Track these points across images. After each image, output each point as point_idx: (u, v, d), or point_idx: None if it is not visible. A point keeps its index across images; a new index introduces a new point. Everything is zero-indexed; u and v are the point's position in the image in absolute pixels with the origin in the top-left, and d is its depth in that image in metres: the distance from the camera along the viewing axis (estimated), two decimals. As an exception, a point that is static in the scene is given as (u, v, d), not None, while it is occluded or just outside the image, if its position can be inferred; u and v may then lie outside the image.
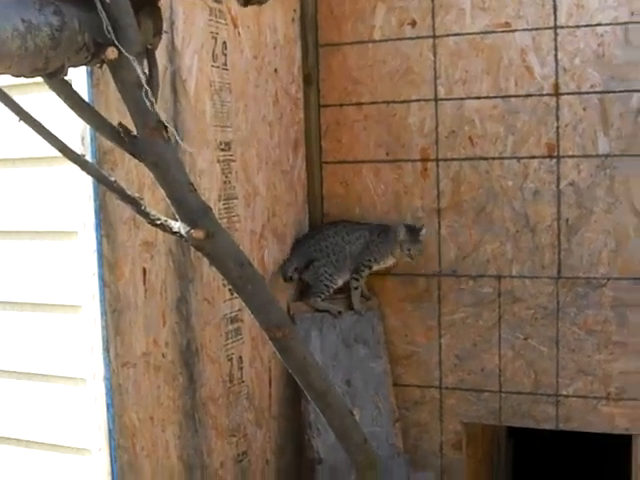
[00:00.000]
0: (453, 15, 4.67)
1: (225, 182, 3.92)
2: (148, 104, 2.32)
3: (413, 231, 4.63)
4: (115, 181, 2.55)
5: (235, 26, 4.02)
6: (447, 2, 4.66)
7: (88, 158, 2.94)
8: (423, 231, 4.64)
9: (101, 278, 3.08)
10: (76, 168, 2.58)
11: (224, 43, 3.91)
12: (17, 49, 2.04)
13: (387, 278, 4.88)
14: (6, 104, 2.48)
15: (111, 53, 2.24)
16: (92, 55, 2.30)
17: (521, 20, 4.55)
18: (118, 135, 2.45)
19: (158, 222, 2.53)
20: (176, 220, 2.49)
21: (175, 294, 3.51)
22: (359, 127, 4.88)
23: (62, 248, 3.30)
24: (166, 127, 2.41)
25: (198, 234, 2.43)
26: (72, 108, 2.51)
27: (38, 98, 2.82)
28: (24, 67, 2.14)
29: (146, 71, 2.39)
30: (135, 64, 2.26)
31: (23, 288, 3.40)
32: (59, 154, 2.51)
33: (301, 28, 4.80)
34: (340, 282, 4.73)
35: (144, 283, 3.30)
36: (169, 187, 2.43)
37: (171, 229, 2.51)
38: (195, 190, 2.46)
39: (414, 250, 4.62)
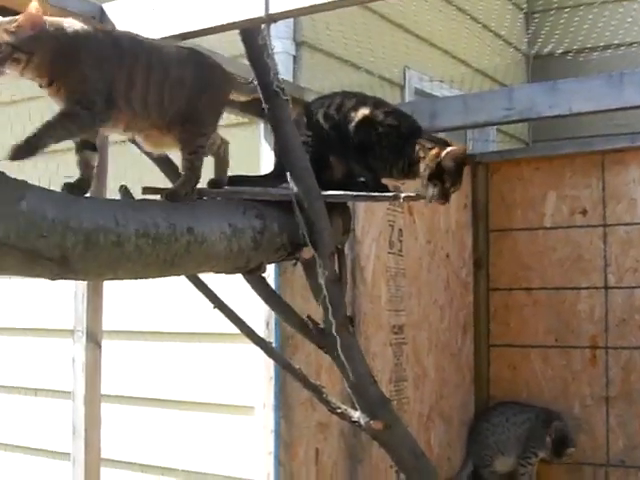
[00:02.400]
0: (624, 205, 4.72)
1: (397, 364, 4.02)
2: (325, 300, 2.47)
3: (562, 441, 4.60)
4: (299, 369, 2.69)
5: (411, 214, 4.20)
6: (618, 192, 4.73)
7: (272, 341, 3.11)
8: (569, 450, 4.59)
9: (277, 457, 3.19)
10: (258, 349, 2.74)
11: (400, 230, 4.09)
12: (223, 250, 2.24)
13: (553, 465, 4.80)
14: (202, 292, 2.68)
15: (306, 253, 2.42)
16: (288, 254, 2.47)
17: (695, 211, 4.57)
18: (305, 326, 2.60)
19: (338, 410, 2.63)
20: (355, 408, 2.59)
21: (344, 475, 3.58)
22: (528, 312, 4.91)
23: (238, 422, 3.44)
24: (352, 321, 2.55)
25: (377, 425, 2.52)
26: (264, 300, 2.69)
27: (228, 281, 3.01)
28: (228, 266, 2.33)
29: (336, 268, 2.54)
30: (328, 263, 2.43)
31: (200, 458, 3.54)
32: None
33: (473, 214, 4.95)
34: (500, 466, 4.71)
35: (316, 464, 3.39)
36: (351, 378, 2.54)
37: (350, 418, 2.60)
38: (376, 382, 2.57)
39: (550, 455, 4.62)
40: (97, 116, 2.00)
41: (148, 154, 2.41)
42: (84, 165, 2.10)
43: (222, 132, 3.73)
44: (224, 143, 2.44)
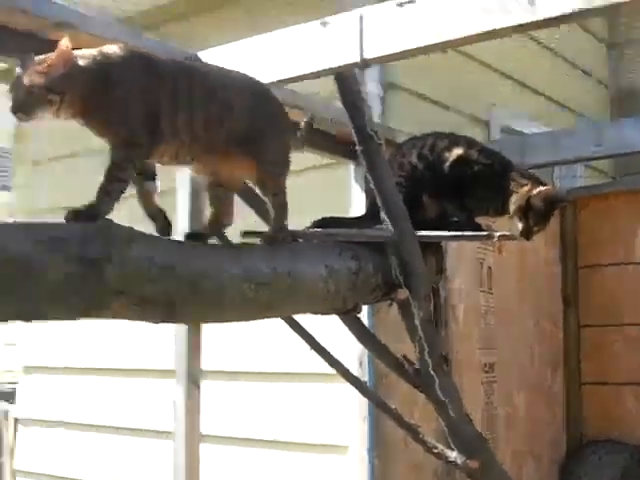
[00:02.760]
0: None
1: (487, 403, 4.00)
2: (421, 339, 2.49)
3: None
4: (395, 408, 2.69)
5: (500, 251, 4.19)
6: None
7: (365, 380, 3.13)
8: None
9: (372, 497, 3.20)
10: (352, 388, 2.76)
11: (489, 268, 4.08)
12: (321, 292, 2.27)
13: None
14: (297, 332, 2.71)
15: (401, 294, 2.44)
16: (383, 294, 2.49)
17: None
18: (401, 366, 2.61)
19: (435, 450, 2.63)
20: (450, 447, 2.59)
21: (440, 515, 3.57)
22: (619, 348, 4.84)
23: (333, 462, 3.45)
24: (447, 360, 2.56)
25: (474, 464, 2.52)
26: (359, 339, 2.71)
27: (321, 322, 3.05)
28: (325, 307, 2.36)
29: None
30: (423, 303, 2.45)
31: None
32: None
33: (561, 250, 4.91)
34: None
35: (411, 503, 3.39)
36: (448, 418, 2.54)
37: (447, 458, 2.60)
38: (471, 421, 2.57)
39: None
40: (146, 151, 1.92)
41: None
42: (146, 198, 2.03)
43: (312, 173, 3.81)
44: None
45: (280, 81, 2.37)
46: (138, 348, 4.37)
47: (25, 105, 1.78)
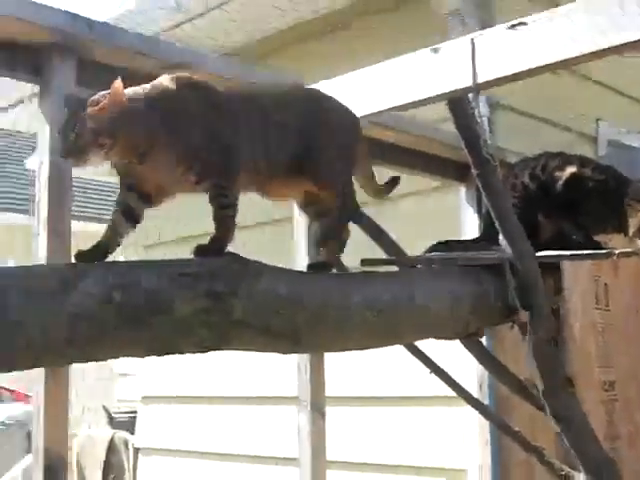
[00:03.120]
0: None
1: (609, 422, 3.92)
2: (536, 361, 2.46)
3: None
4: (519, 431, 2.67)
5: (615, 268, 4.12)
6: None
7: (486, 403, 3.12)
8: None
9: (496, 521, 3.18)
10: (472, 411, 2.74)
11: (605, 285, 4.01)
12: (443, 317, 2.27)
13: None
14: (417, 357, 2.72)
15: (523, 316, 2.42)
16: (504, 317, 2.48)
17: None
18: (523, 388, 2.59)
19: (561, 472, 2.60)
20: (578, 470, 2.55)
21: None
22: None
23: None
24: (572, 382, 2.53)
25: (603, 487, 2.47)
26: (479, 361, 2.70)
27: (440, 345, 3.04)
28: (447, 332, 2.36)
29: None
30: (543, 324, 2.43)
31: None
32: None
33: (679, 264, 4.80)
34: None
35: (537, 528, 3.34)
36: (573, 438, 2.50)
37: (574, 480, 2.57)
38: (598, 442, 2.52)
39: None
40: (233, 174, 1.86)
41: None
42: (113, 233, 1.85)
43: (423, 197, 3.82)
44: None
45: (393, 108, 2.39)
46: (256, 375, 4.43)
47: (75, 150, 1.71)
